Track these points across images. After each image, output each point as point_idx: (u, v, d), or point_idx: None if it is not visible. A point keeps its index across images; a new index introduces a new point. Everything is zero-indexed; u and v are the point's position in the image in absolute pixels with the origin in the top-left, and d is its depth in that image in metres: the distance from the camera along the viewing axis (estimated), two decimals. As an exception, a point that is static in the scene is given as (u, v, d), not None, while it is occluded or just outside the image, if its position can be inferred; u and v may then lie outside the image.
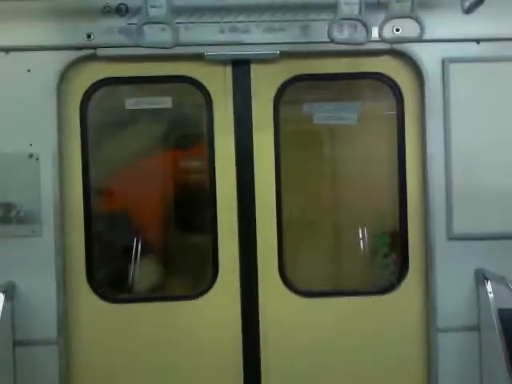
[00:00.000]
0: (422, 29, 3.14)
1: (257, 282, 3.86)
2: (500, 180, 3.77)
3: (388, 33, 3.28)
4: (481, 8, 3.34)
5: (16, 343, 3.67)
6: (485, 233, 3.75)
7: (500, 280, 3.48)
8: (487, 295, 3.62)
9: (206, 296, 3.87)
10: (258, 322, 3.87)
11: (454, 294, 3.76)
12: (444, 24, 3.64)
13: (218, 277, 3.86)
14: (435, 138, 3.77)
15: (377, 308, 3.90)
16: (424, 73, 3.77)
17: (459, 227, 3.74)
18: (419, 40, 3.20)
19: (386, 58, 3.85)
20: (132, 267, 4.27)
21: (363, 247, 4.29)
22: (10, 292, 3.62)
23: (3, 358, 3.57)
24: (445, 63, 3.75)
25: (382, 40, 3.24)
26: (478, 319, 3.75)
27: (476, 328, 3.77)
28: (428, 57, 3.75)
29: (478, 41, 3.76)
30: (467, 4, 3.25)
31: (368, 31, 3.18)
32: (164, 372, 3.87)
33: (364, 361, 3.89)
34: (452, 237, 3.76)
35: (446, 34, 3.69)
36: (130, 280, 4.28)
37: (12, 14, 3.57)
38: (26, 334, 3.68)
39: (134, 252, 4.28)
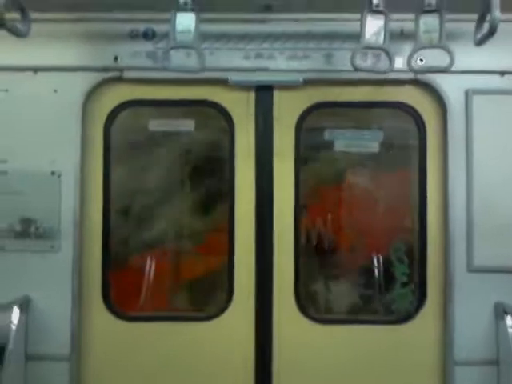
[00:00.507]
0: (452, 59, 3.14)
1: (271, 307, 3.84)
2: None
3: (412, 62, 3.29)
4: (505, 40, 3.36)
5: (28, 357, 3.68)
6: (505, 266, 3.69)
7: (520, 314, 3.42)
8: (506, 329, 3.55)
9: (220, 318, 3.85)
10: (271, 347, 3.83)
11: (472, 326, 3.70)
12: (468, 55, 3.64)
13: (233, 299, 3.85)
14: (457, 170, 3.75)
15: (393, 338, 3.84)
16: (447, 104, 3.77)
17: (480, 259, 3.70)
18: (448, 71, 3.21)
19: (409, 88, 3.87)
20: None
21: (382, 276, 4.24)
22: (25, 306, 3.64)
23: (15, 372, 3.56)
24: (468, 94, 3.75)
25: (410, 70, 3.25)
26: (497, 353, 3.68)
27: (494, 362, 3.68)
28: (451, 88, 3.76)
29: (502, 73, 3.77)
30: (478, 36, 3.27)
31: (391, 60, 3.21)
32: None
33: None
34: (472, 269, 3.71)
35: (469, 65, 3.70)
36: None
37: (42, 35, 3.65)
38: (39, 348, 3.68)
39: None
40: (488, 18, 3.06)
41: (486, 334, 3.70)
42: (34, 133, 3.77)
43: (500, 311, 3.64)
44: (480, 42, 3.21)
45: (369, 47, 3.27)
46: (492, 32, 3.00)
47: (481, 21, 3.21)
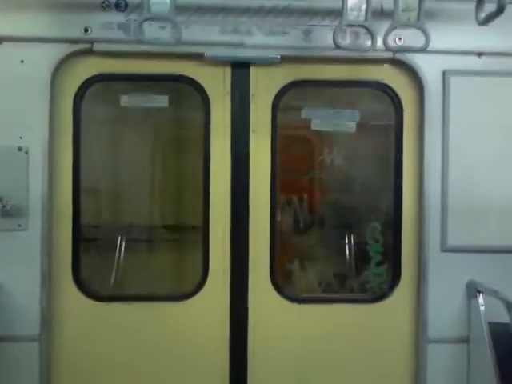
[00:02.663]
0: (428, 39, 3.13)
1: (247, 286, 3.82)
2: (496, 193, 3.79)
3: (390, 41, 3.26)
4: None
5: None
6: (479, 245, 3.76)
7: (492, 293, 3.49)
8: (478, 308, 3.64)
9: (194, 298, 3.81)
10: (246, 326, 3.82)
11: (445, 305, 3.76)
12: (446, 36, 3.64)
13: (208, 278, 3.81)
14: (433, 150, 3.77)
15: (367, 316, 3.88)
16: (424, 83, 3.77)
17: (453, 239, 3.75)
18: (424, 50, 3.19)
19: (387, 67, 3.85)
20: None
21: (357, 254, 4.28)
22: None
23: None
24: (446, 75, 3.76)
25: (386, 49, 3.21)
26: (469, 331, 3.76)
27: (466, 340, 3.77)
28: (429, 68, 3.76)
29: (479, 54, 3.78)
30: (482, 16, 3.24)
31: (374, 39, 3.17)
32: (148, 373, 3.80)
33: (352, 368, 3.87)
34: (446, 248, 3.76)
35: (447, 45, 3.70)
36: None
37: (7, 4, 3.50)
38: (8, 329, 3.57)
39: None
40: None
41: (459, 312, 3.77)
42: None
43: (472, 290, 3.71)
44: (485, 22, 3.18)
45: (351, 24, 3.22)
46: (500, 11, 2.97)
47: None
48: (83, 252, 3.82)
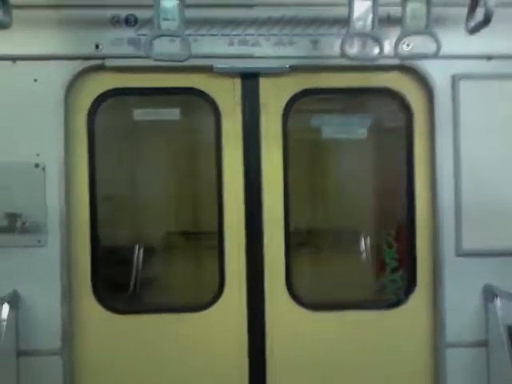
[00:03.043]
0: (439, 45, 3.14)
1: (263, 296, 3.84)
2: (509, 196, 3.77)
3: (400, 50, 3.27)
4: (492, 26, 3.32)
5: (20, 353, 3.63)
6: (494, 249, 3.74)
7: (509, 297, 3.49)
8: (496, 311, 3.62)
9: (212, 308, 3.84)
10: (264, 335, 3.84)
11: (462, 309, 3.75)
12: (455, 40, 3.63)
13: (225, 290, 3.84)
14: (444, 154, 3.77)
15: (384, 322, 3.88)
16: (434, 89, 3.77)
17: (468, 243, 3.74)
18: (435, 56, 3.20)
19: (396, 74, 3.85)
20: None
21: (372, 261, 4.28)
22: (15, 302, 3.58)
23: (7, 368, 3.53)
24: (455, 80, 3.76)
25: (396, 57, 3.23)
26: (487, 335, 3.75)
27: (484, 344, 3.76)
28: (438, 73, 3.76)
29: (488, 58, 3.77)
30: (471, 24, 3.25)
31: (381, 47, 3.19)
32: None
33: (370, 375, 3.87)
34: (461, 253, 3.75)
35: (456, 50, 3.69)
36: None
37: (20, 23, 3.53)
38: (30, 344, 3.64)
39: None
40: (481, 4, 3.04)
41: (476, 316, 3.76)
42: (15, 125, 3.66)
43: (489, 294, 3.70)
44: (473, 31, 3.20)
45: (358, 34, 3.23)
46: (487, 21, 2.99)
47: (473, 7, 3.19)
48: (102, 265, 3.87)
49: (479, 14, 3.23)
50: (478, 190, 3.76)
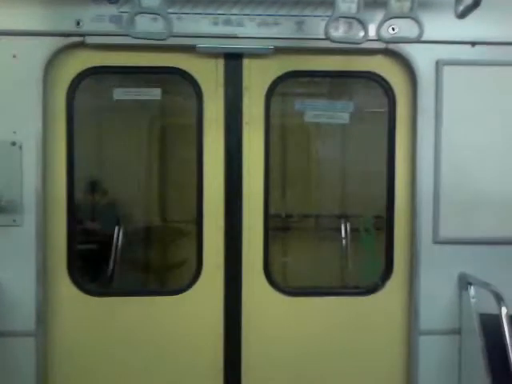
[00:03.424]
0: (422, 30, 3.09)
1: (241, 280, 3.84)
2: (489, 185, 3.78)
3: (384, 32, 3.23)
4: (476, 11, 3.29)
5: None
6: (471, 237, 3.76)
7: (483, 285, 3.51)
8: (469, 300, 3.65)
9: (188, 292, 3.84)
10: (240, 319, 3.85)
11: (437, 297, 3.78)
12: (439, 25, 3.60)
13: (202, 272, 3.83)
14: (426, 140, 3.75)
15: (360, 308, 3.90)
16: (417, 74, 3.74)
17: (445, 231, 3.75)
18: (418, 41, 3.16)
19: (380, 58, 3.82)
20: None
21: (350, 247, 4.29)
22: None
23: None
24: (439, 65, 3.73)
25: (379, 39, 3.18)
26: (460, 323, 3.78)
27: (457, 332, 3.79)
28: (422, 58, 3.72)
29: (472, 44, 3.74)
30: (461, 8, 3.21)
31: (366, 30, 3.14)
32: (143, 367, 3.84)
33: (345, 360, 3.90)
34: (438, 240, 3.77)
35: (441, 35, 3.66)
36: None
37: None
38: (5, 325, 3.61)
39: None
40: None
41: (451, 304, 3.79)
42: None
43: (464, 282, 3.73)
44: (462, 15, 3.16)
45: (343, 16, 3.18)
46: (476, 4, 2.94)
47: None
48: (78, 246, 3.84)
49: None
50: (458, 177, 3.76)
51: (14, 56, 3.60)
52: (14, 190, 3.61)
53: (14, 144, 3.62)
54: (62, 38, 3.64)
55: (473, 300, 3.63)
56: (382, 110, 3.90)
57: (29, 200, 3.62)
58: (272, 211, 3.90)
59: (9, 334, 3.62)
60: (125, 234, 4.29)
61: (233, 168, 3.82)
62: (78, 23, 3.62)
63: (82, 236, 3.98)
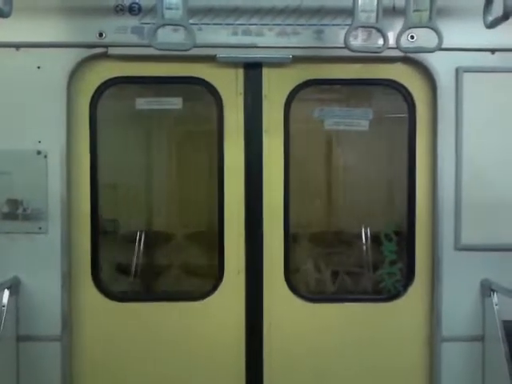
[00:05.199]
0: (441, 39, 3.10)
1: (262, 287, 3.85)
2: (510, 191, 3.76)
3: (403, 41, 3.24)
4: (497, 18, 3.31)
5: (20, 339, 3.68)
6: (493, 244, 3.74)
7: (506, 292, 3.49)
8: (493, 306, 3.62)
9: (210, 298, 3.86)
10: (261, 325, 3.86)
11: (459, 303, 3.76)
12: (459, 33, 3.60)
13: (223, 279, 3.86)
14: (446, 147, 3.75)
15: (382, 315, 3.90)
16: (437, 81, 3.74)
17: (467, 237, 3.74)
18: (437, 50, 3.17)
19: (399, 65, 3.82)
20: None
21: (371, 254, 4.28)
22: (15, 288, 3.63)
23: (7, 353, 3.58)
24: (458, 72, 3.73)
25: (398, 48, 3.20)
26: (483, 330, 3.76)
27: (480, 338, 3.77)
28: (442, 65, 3.72)
29: (492, 51, 3.74)
30: (490, 19, 3.21)
31: (385, 39, 3.16)
32: (166, 372, 3.87)
33: (367, 367, 3.89)
34: (459, 247, 3.75)
35: (460, 42, 3.66)
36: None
37: (23, 10, 3.53)
38: (30, 329, 3.68)
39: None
40: None
41: (473, 311, 3.76)
42: (18, 111, 3.68)
43: (486, 288, 3.70)
44: (492, 25, 3.15)
45: (362, 26, 3.21)
46: (506, 16, 2.94)
47: (489, 1, 3.14)
48: (103, 253, 3.90)
49: (495, 6, 3.18)
50: (479, 183, 3.74)
51: (39, 67, 3.68)
52: (39, 198, 3.69)
53: (39, 153, 3.70)
54: (86, 49, 3.72)
55: (496, 307, 3.60)
56: (403, 116, 3.90)
57: (54, 208, 3.69)
58: (292, 218, 3.90)
59: (35, 339, 3.69)
60: (146, 240, 4.35)
61: (253, 175, 3.85)
62: (101, 35, 3.69)
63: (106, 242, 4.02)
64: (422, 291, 3.87)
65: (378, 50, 3.27)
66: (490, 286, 3.68)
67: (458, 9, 3.57)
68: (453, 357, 3.77)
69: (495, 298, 3.62)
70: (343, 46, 3.26)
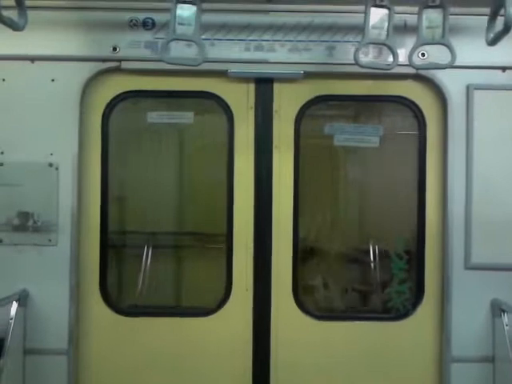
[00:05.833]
0: (454, 56, 3.10)
1: (270, 303, 3.84)
2: None
3: (414, 58, 3.25)
4: (507, 36, 3.26)
5: (27, 351, 3.68)
6: (503, 263, 3.70)
7: (517, 312, 3.44)
8: (503, 327, 3.57)
9: (217, 313, 3.85)
10: (269, 342, 3.84)
11: (469, 323, 3.71)
12: (469, 50, 3.59)
13: (231, 295, 3.85)
14: (457, 165, 3.73)
15: (390, 334, 3.86)
16: (448, 98, 3.74)
17: (477, 257, 3.70)
18: (450, 67, 3.17)
19: (410, 82, 3.83)
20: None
21: (379, 272, 4.25)
22: (24, 300, 3.63)
23: (13, 366, 3.57)
24: (469, 90, 3.72)
25: (411, 65, 3.20)
26: (493, 351, 3.70)
27: (490, 359, 3.71)
28: (452, 83, 3.72)
29: (503, 69, 3.74)
30: (491, 36, 3.22)
31: (395, 57, 3.17)
32: None
33: None
34: (469, 266, 3.71)
35: (471, 60, 3.66)
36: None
37: (39, 24, 3.58)
38: (37, 342, 3.68)
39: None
40: (502, 13, 2.99)
41: (483, 331, 3.71)
42: (31, 123, 3.72)
43: (496, 309, 3.66)
44: (493, 42, 3.16)
45: (372, 43, 3.22)
46: (507, 29, 2.94)
47: (493, 18, 3.14)
48: (111, 267, 3.90)
49: (498, 24, 3.18)
50: (490, 202, 3.71)
51: (53, 80, 3.73)
52: (50, 211, 3.71)
53: (50, 165, 3.72)
54: (99, 62, 3.76)
55: (506, 327, 3.55)
56: (413, 133, 3.89)
57: (64, 220, 3.70)
58: (301, 234, 3.89)
59: (41, 352, 3.68)
60: (155, 253, 4.35)
61: (263, 191, 3.85)
62: (115, 49, 3.73)
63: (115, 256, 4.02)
64: (432, 310, 3.83)
65: (388, 67, 3.28)
66: (500, 305, 3.63)
67: (467, 27, 3.58)
68: (462, 378, 3.72)
69: (506, 319, 3.57)
70: (355, 63, 3.28)
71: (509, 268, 3.69)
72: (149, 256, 4.36)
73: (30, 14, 3.29)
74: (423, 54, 3.63)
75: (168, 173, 4.53)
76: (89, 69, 3.75)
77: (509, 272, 3.69)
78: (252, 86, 3.86)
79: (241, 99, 3.87)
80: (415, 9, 3.21)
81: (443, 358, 3.77)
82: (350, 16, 3.64)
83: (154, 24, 3.74)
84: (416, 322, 3.84)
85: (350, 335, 3.85)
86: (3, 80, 3.73)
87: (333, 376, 3.85)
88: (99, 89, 3.83)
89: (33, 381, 3.68)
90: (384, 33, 3.19)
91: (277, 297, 3.84)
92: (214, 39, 3.73)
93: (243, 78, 3.82)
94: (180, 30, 3.18)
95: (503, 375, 3.59)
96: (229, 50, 3.74)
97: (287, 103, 3.86)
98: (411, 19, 3.41)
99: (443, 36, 3.15)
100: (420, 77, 3.78)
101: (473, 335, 3.72)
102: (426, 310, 3.83)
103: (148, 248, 4.43)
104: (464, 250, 3.71)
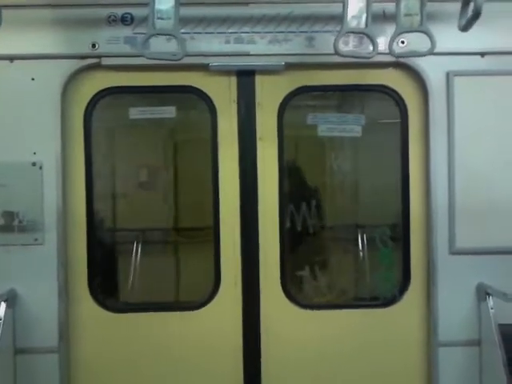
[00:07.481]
0: (433, 43, 3.11)
1: (258, 294, 3.86)
2: (504, 194, 3.75)
3: (394, 47, 3.25)
4: (485, 22, 3.27)
5: (17, 351, 3.68)
6: (487, 247, 3.73)
7: (501, 296, 3.48)
8: (488, 310, 3.62)
9: (207, 307, 3.87)
10: (259, 334, 3.86)
11: (455, 308, 3.75)
12: (449, 37, 3.59)
13: (220, 288, 3.86)
14: (439, 152, 3.76)
15: (378, 321, 3.89)
16: (428, 86, 3.76)
17: (462, 241, 3.74)
18: (430, 54, 3.18)
19: (391, 71, 3.84)
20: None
21: (366, 260, 4.29)
22: (12, 300, 3.62)
23: (4, 366, 3.58)
24: (449, 76, 3.74)
25: (391, 53, 3.21)
26: (479, 334, 3.75)
27: (477, 343, 3.76)
28: (432, 70, 3.74)
29: (482, 54, 3.75)
30: (463, 21, 3.24)
31: (375, 45, 3.18)
32: (164, 382, 3.87)
33: (364, 373, 3.89)
34: (454, 251, 3.75)
35: (450, 47, 3.67)
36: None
37: (16, 23, 3.56)
38: (27, 342, 3.68)
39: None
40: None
41: (469, 315, 3.76)
42: (12, 123, 3.70)
43: (482, 292, 3.70)
44: (465, 28, 3.18)
45: (351, 31, 3.22)
46: (476, 16, 2.96)
47: (465, 5, 3.16)
48: (99, 264, 3.90)
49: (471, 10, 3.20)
50: (472, 187, 3.74)
51: (33, 79, 3.70)
52: (35, 210, 3.69)
53: (34, 164, 3.70)
54: (79, 60, 3.74)
55: (492, 311, 3.60)
56: (395, 121, 3.91)
57: (50, 219, 3.69)
58: (288, 225, 3.91)
59: (32, 351, 3.68)
60: (142, 249, 4.36)
61: (248, 183, 3.86)
62: (94, 45, 3.71)
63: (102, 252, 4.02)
64: (418, 296, 3.87)
65: (368, 56, 3.29)
66: (485, 289, 3.67)
67: (445, 13, 3.58)
68: (450, 361, 3.76)
69: (491, 302, 3.61)
70: (334, 52, 3.28)
71: (493, 252, 3.73)
72: (138, 252, 4.36)
73: (7, 12, 3.28)
74: (403, 42, 3.63)
75: (152, 168, 4.53)
76: (69, 66, 3.73)
77: (493, 256, 3.73)
78: (234, 79, 3.86)
79: (223, 92, 3.86)
80: None
81: (430, 343, 3.81)
82: (329, 6, 3.63)
83: (132, 19, 3.72)
84: (403, 308, 3.87)
85: (339, 323, 3.88)
86: None
87: (323, 364, 3.88)
88: (80, 86, 3.81)
89: (24, 380, 3.68)
90: (363, 21, 3.20)
91: (265, 288, 3.86)
92: (194, 33, 3.72)
93: (225, 71, 3.82)
94: (159, 24, 3.16)
95: (489, 358, 3.63)
96: (209, 44, 3.73)
97: (269, 95, 3.86)
98: (390, 7, 3.41)
99: (422, 23, 3.15)
100: (400, 65, 3.80)
101: (459, 319, 3.76)
102: (413, 295, 3.87)
103: (137, 244, 4.44)
104: (448, 235, 3.75)
